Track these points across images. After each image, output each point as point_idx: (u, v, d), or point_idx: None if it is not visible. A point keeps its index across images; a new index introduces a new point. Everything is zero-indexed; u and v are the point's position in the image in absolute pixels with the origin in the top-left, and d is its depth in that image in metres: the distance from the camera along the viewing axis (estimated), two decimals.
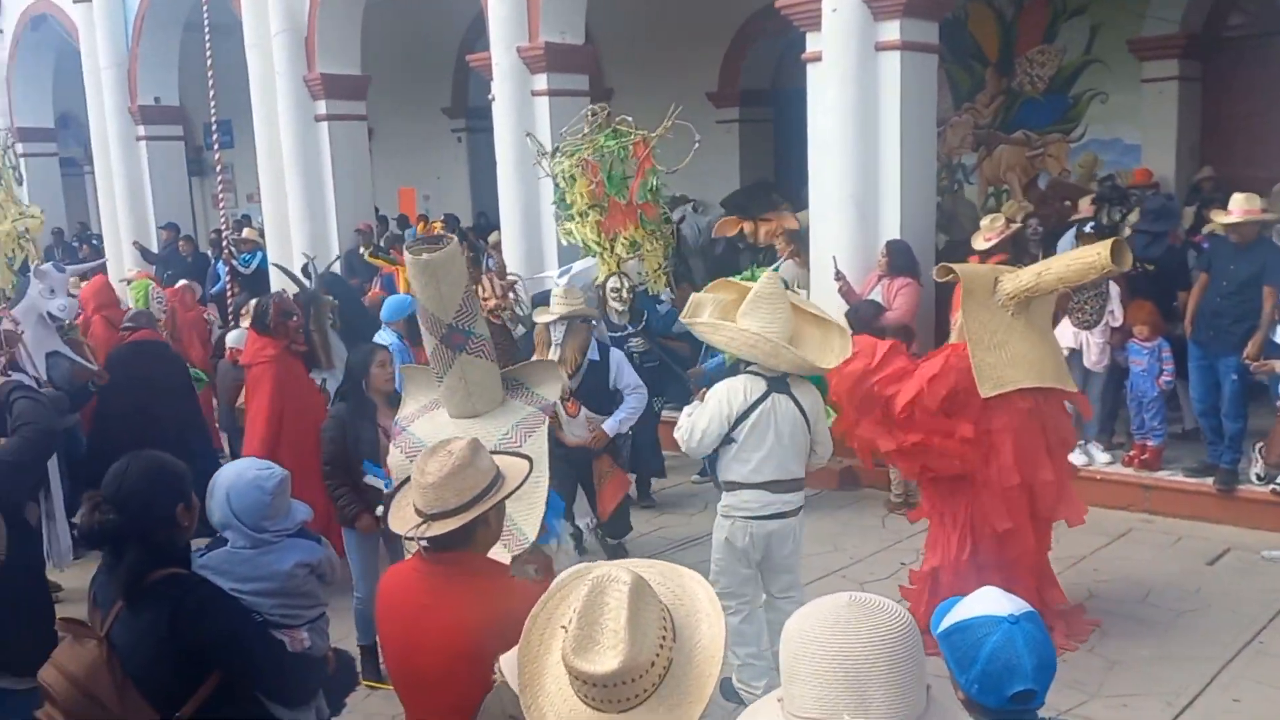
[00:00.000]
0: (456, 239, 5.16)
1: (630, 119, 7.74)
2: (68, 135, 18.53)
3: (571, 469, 6.08)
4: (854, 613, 1.46)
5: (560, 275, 8.11)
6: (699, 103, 13.29)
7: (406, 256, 5.32)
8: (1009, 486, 4.93)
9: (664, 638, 1.70)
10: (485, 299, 7.04)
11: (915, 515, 5.80)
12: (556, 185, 8.06)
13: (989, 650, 1.99)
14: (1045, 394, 5.07)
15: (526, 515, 3.38)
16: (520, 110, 9.83)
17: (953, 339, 5.39)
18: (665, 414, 8.46)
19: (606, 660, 1.64)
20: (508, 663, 2.04)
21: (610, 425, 6.13)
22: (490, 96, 10.19)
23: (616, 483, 6.28)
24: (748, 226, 11.30)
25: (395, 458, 3.90)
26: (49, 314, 6.45)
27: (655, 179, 7.84)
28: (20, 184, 7.29)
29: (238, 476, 3.06)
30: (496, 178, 10.36)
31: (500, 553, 2.90)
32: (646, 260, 7.91)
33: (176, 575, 2.73)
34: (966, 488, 5.07)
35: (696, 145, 7.68)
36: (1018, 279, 4.98)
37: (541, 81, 9.72)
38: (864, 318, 6.80)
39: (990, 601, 2.07)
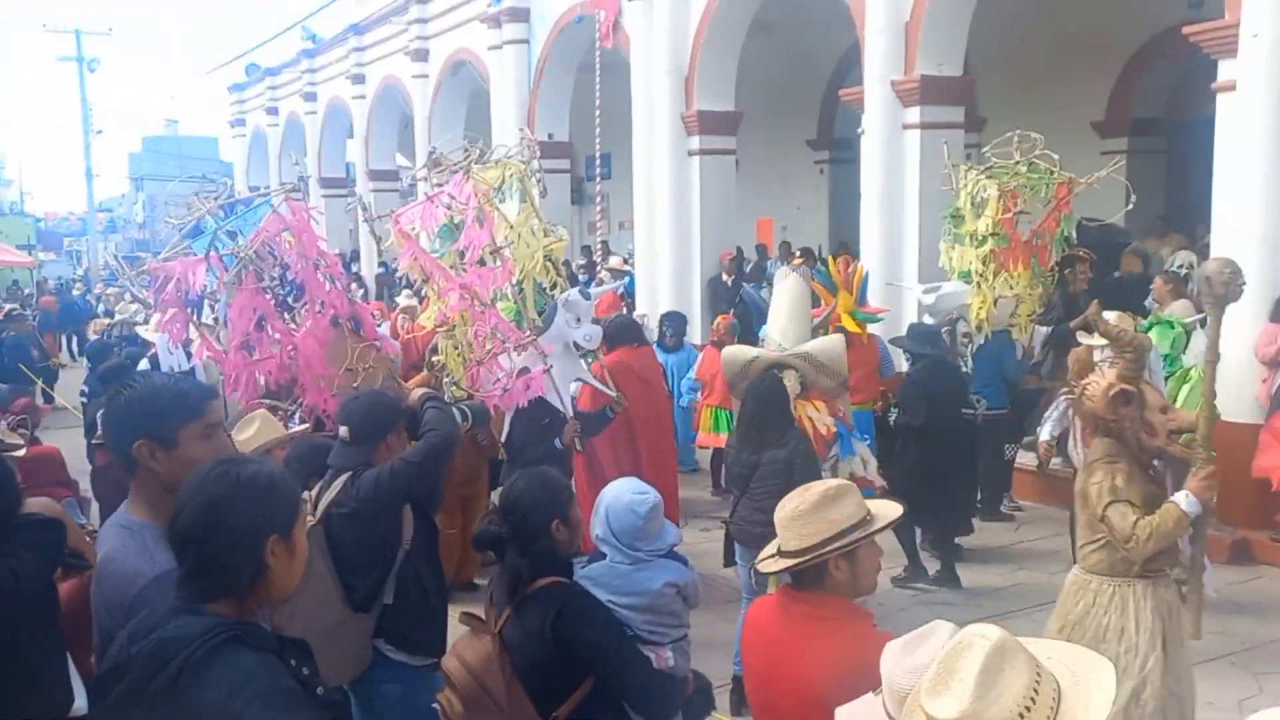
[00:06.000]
0: None
1: (1055, 155, 7.44)
2: None
3: None
4: None
5: (927, 292, 7.96)
6: (1082, 132, 12.54)
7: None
8: None
9: (1028, 708, 1.63)
10: None
11: None
12: (955, 201, 7.83)
13: None
14: None
15: None
16: (889, 143, 9.76)
17: None
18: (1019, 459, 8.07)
19: (947, 706, 1.63)
20: (845, 715, 2.03)
21: None
22: (860, 130, 10.19)
23: None
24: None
25: None
26: (574, 343, 6.15)
27: (1069, 227, 7.49)
28: (576, 202, 7.17)
29: (616, 498, 3.26)
30: (857, 209, 10.35)
31: None
32: (1022, 304, 7.53)
33: (560, 584, 2.96)
34: None
35: (1131, 205, 7.36)
36: None
37: (914, 114, 9.58)
38: None
39: None
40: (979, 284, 7.56)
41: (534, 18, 15.48)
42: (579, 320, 6.05)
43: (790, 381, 5.61)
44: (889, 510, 2.70)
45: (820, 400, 5.74)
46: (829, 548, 2.53)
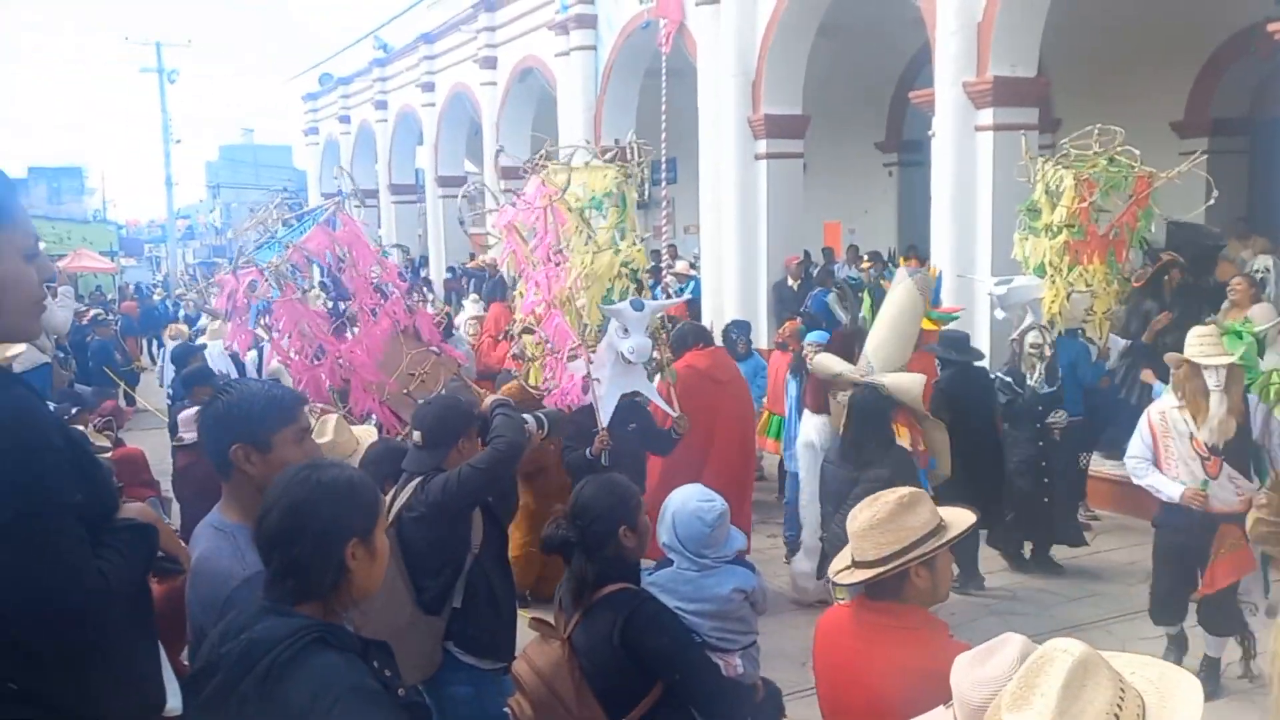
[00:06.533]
0: None
1: (1136, 150, 7.28)
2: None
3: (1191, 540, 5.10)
4: None
5: (999, 284, 7.81)
6: (1160, 132, 12.24)
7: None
8: None
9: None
10: None
11: None
12: (1031, 194, 7.63)
13: None
14: None
15: None
16: (961, 145, 9.61)
17: None
18: (1093, 467, 7.83)
19: None
20: None
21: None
22: (930, 133, 10.07)
23: (1240, 558, 5.02)
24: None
25: None
26: (623, 355, 5.72)
27: (1149, 222, 7.31)
28: (643, 206, 6.41)
29: (682, 505, 3.27)
30: (927, 212, 10.23)
31: None
32: (1098, 301, 7.33)
33: (628, 589, 2.98)
34: None
35: (1213, 200, 7.16)
36: None
37: (986, 116, 9.43)
38: None
39: None
40: (1053, 278, 7.38)
41: (601, 24, 15.56)
42: (626, 331, 5.69)
43: None
44: (962, 517, 2.67)
45: (905, 425, 5.58)
46: (909, 555, 2.52)
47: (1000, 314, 7.94)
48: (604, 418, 5.64)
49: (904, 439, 5.54)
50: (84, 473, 1.89)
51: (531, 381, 6.22)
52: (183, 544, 2.04)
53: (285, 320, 5.56)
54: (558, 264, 5.90)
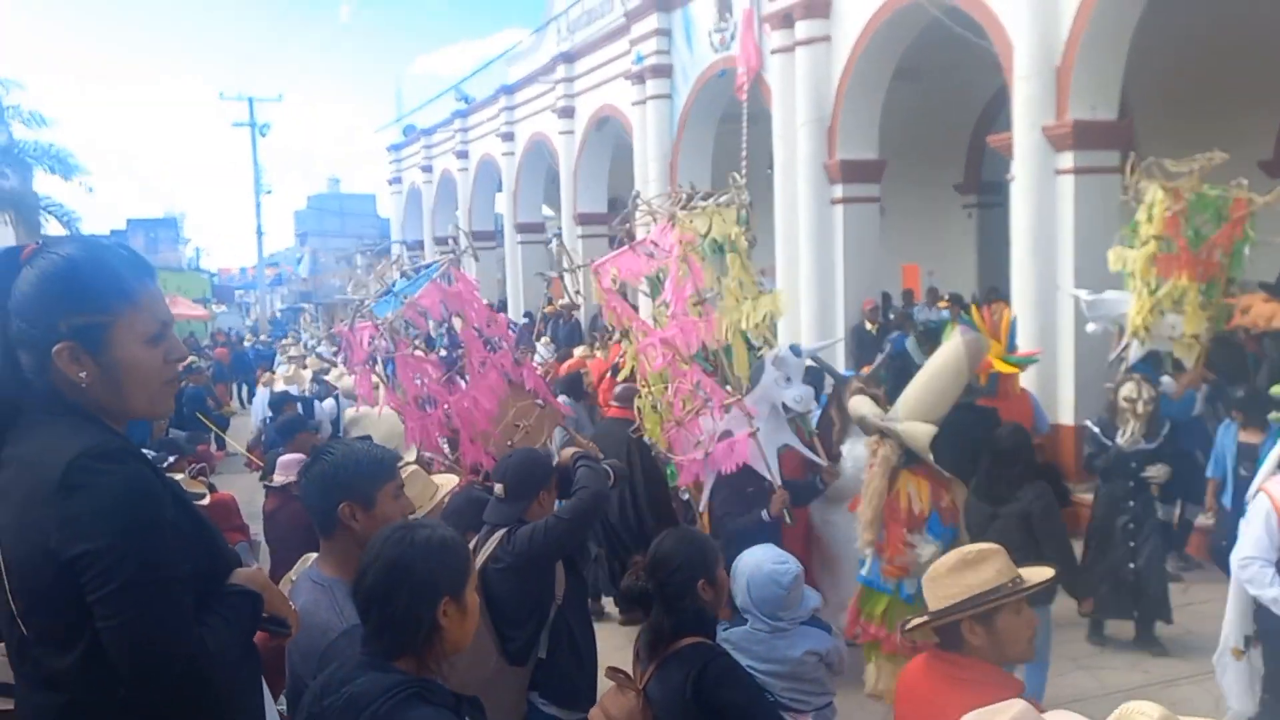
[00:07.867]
0: None
1: (1245, 181, 7.19)
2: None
3: None
4: None
5: (1089, 295, 7.84)
6: (1248, 171, 11.91)
7: None
8: None
9: None
10: None
11: None
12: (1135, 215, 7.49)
13: None
14: None
15: None
16: (1040, 189, 9.50)
17: None
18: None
19: None
20: None
21: None
22: (1009, 176, 9.99)
23: None
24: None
25: None
26: (783, 405, 5.48)
27: (1246, 248, 7.16)
28: (752, 245, 5.96)
29: (756, 568, 3.29)
30: (1008, 253, 10.11)
31: None
32: (1186, 320, 7.11)
33: (703, 643, 3.01)
34: None
35: None
36: None
37: (1067, 159, 9.32)
38: None
39: None
40: (1139, 290, 7.21)
41: (676, 73, 15.81)
42: (789, 380, 5.38)
43: (886, 450, 5.31)
44: (1036, 577, 2.66)
45: (926, 478, 5.20)
46: (959, 612, 2.57)
47: (1091, 327, 7.85)
48: (775, 476, 5.32)
49: (922, 490, 5.16)
50: (197, 540, 1.99)
51: (650, 436, 6.00)
52: (292, 606, 2.13)
53: (403, 371, 5.65)
54: (701, 314, 5.59)
